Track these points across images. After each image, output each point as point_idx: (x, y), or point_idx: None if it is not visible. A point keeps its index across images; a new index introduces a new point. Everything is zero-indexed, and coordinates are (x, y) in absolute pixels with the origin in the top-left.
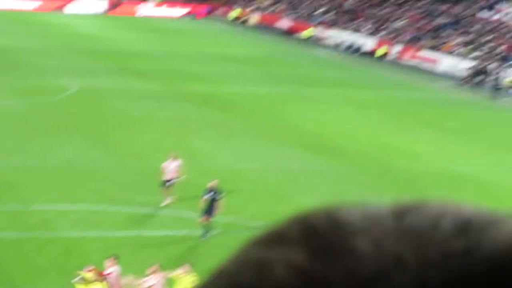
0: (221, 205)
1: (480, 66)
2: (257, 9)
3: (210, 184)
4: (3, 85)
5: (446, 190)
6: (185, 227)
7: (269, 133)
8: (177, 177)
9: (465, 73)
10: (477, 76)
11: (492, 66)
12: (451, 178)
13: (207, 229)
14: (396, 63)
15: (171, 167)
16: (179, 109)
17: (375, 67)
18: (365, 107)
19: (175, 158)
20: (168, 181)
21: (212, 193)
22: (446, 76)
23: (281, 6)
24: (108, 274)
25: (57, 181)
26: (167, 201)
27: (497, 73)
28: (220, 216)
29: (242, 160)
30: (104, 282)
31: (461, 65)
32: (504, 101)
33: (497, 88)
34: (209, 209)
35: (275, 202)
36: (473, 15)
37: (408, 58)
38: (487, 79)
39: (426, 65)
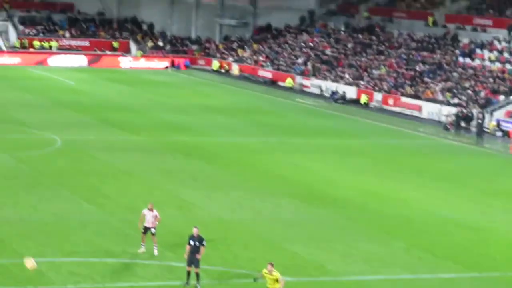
0: (204, 251)
1: (464, 111)
2: (238, 60)
3: (193, 232)
4: None
5: (436, 236)
6: (177, 277)
7: (257, 183)
8: (154, 227)
9: (449, 119)
10: (461, 121)
11: (475, 110)
12: (440, 224)
13: (198, 278)
14: (379, 110)
15: (149, 217)
16: (166, 161)
17: (358, 115)
18: (351, 154)
19: (151, 209)
20: (149, 228)
21: (194, 240)
22: (430, 122)
23: (262, 57)
24: None
25: (49, 234)
26: (142, 249)
27: (481, 117)
28: (212, 265)
29: (232, 210)
30: None
31: (444, 111)
32: (489, 146)
33: (481, 133)
34: (195, 257)
35: (266, 250)
36: (453, 61)
37: (391, 105)
38: (471, 124)
39: (410, 112)
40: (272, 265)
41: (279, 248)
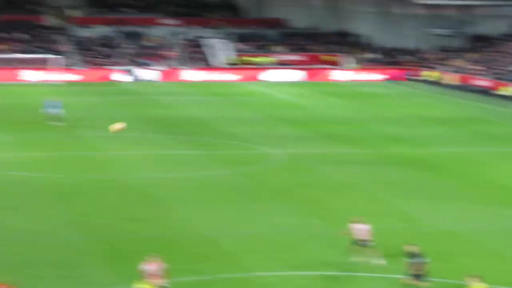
0: (426, 266)
1: None
2: (452, 69)
3: (411, 249)
4: (210, 156)
5: None
6: None
7: (480, 193)
8: (369, 240)
9: None
10: None
11: None
12: None
13: None
14: None
15: (360, 230)
16: (386, 173)
17: None
18: None
19: (360, 222)
20: (363, 241)
21: (414, 256)
22: None
23: (477, 65)
24: None
25: (275, 247)
26: (359, 259)
27: None
28: (442, 278)
29: (456, 221)
30: None
31: None
32: None
33: None
34: (418, 272)
35: (494, 262)
36: None
37: None
38: None
39: None
40: (474, 277)
41: (507, 260)
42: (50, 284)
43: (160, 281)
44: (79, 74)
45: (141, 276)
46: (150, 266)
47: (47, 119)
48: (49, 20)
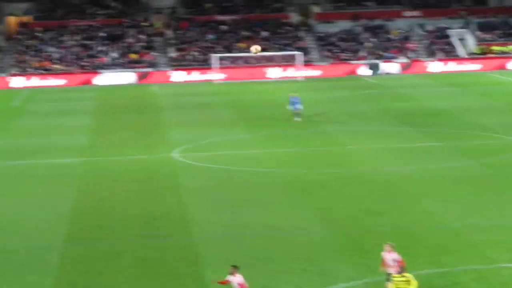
0: None
1: None
2: None
3: None
4: (454, 147)
5: None
6: None
7: None
8: None
9: None
10: None
11: None
12: None
13: None
14: None
15: None
16: None
17: None
18: None
19: None
20: None
21: None
22: None
23: None
24: None
25: None
26: None
27: None
28: None
29: None
30: None
31: None
32: None
33: None
34: None
35: None
36: None
37: None
38: None
39: None
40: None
41: None
42: (293, 279)
43: (398, 271)
44: (319, 69)
45: (382, 264)
46: (389, 254)
47: (292, 115)
48: (294, 17)
